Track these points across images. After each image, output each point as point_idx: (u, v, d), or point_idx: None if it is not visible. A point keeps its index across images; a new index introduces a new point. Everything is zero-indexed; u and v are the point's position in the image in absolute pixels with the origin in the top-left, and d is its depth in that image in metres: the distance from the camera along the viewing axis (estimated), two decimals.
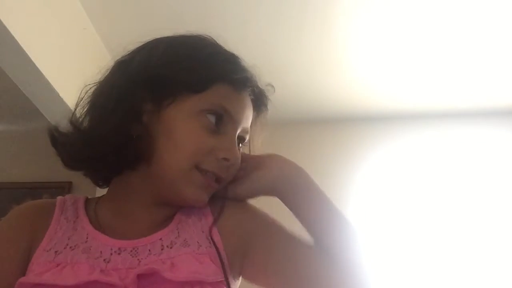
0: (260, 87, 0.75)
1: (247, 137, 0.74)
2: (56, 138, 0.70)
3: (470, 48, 2.29)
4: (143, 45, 0.74)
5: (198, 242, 0.65)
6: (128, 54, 0.73)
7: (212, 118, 0.67)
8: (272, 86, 0.78)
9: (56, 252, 0.64)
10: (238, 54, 0.74)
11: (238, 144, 0.72)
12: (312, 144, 2.90)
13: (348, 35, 2.23)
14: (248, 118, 0.73)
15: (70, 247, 0.64)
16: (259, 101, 0.76)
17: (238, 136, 0.71)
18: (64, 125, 0.71)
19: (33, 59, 1.67)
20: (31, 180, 2.88)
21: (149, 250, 0.64)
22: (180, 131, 0.67)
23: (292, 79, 2.58)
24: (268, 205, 0.74)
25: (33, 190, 2.85)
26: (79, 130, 0.70)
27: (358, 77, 2.55)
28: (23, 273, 0.63)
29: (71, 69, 1.92)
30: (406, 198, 2.72)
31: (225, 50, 0.73)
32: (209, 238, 0.66)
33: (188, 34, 0.74)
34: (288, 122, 2.82)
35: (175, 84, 0.67)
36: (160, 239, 0.66)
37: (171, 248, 0.64)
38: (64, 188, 2.74)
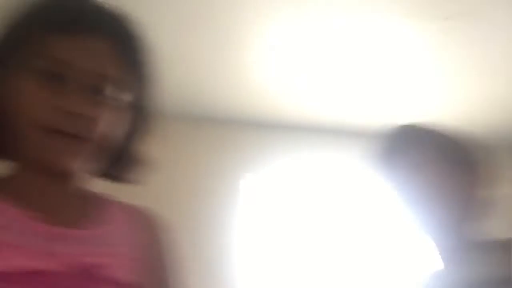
0: (98, 14, 0.66)
1: (117, 80, 0.65)
2: None
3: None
4: None
5: (130, 246, 0.68)
6: None
7: (47, 75, 0.62)
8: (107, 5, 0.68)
9: None
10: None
11: (100, 90, 0.64)
12: (202, 143, 2.71)
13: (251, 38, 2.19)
14: (96, 62, 0.64)
15: None
16: (110, 30, 0.66)
17: (94, 85, 0.63)
18: None
19: None
20: None
21: (93, 242, 0.64)
22: (18, 98, 0.63)
23: (190, 71, 2.42)
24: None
25: None
26: None
27: (256, 82, 2.48)
28: None
29: None
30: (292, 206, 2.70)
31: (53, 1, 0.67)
32: (136, 245, 0.69)
33: None
34: (177, 117, 2.52)
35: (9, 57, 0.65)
36: (101, 234, 0.66)
37: (112, 246, 0.66)
38: None
